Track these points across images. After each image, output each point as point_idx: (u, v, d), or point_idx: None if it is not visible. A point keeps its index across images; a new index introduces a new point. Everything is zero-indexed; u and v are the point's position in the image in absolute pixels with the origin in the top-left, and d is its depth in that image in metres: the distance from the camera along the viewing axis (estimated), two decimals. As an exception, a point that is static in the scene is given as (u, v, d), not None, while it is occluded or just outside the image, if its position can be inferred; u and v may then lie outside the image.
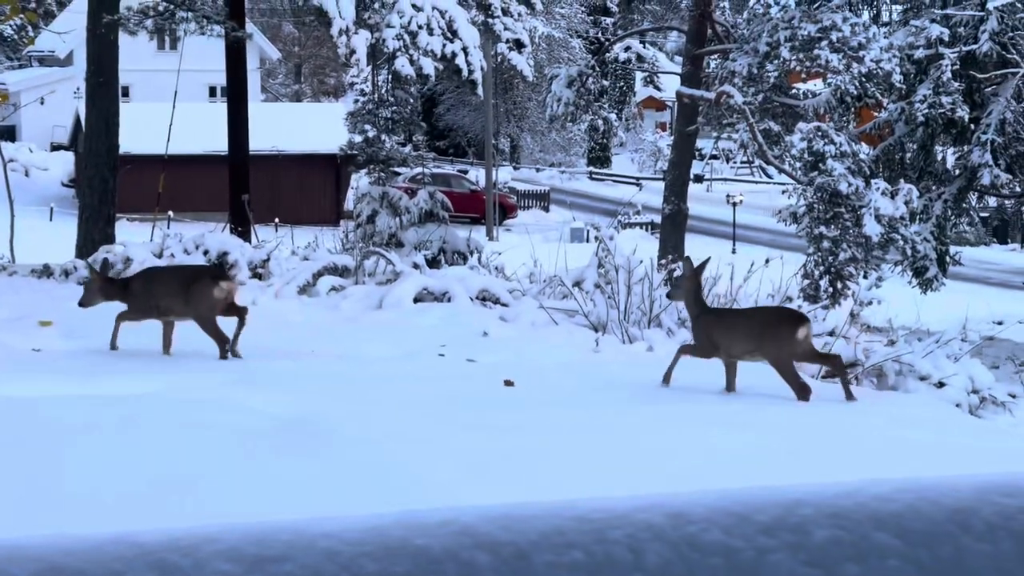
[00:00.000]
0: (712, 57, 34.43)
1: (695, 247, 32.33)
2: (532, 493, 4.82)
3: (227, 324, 10.97)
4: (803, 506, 1.58)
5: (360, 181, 29.37)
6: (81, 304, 11.33)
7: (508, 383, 9.08)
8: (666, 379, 9.30)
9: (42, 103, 55.66)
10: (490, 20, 23.56)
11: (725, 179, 64.99)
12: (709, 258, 10.49)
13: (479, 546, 1.48)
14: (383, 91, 24.88)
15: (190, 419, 6.38)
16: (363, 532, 1.48)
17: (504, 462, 5.83)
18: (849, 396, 9.26)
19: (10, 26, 64.18)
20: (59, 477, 5.19)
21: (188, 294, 10.88)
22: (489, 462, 5.81)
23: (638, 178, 66.02)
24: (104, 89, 22.43)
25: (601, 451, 6.22)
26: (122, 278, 11.87)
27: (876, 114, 30.73)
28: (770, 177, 60.15)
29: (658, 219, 37.53)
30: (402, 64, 21.25)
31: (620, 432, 6.85)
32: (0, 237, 25.73)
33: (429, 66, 21.30)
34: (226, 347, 10.97)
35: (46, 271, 18.17)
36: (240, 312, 11.05)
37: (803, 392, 9.00)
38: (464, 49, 21.45)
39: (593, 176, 68.29)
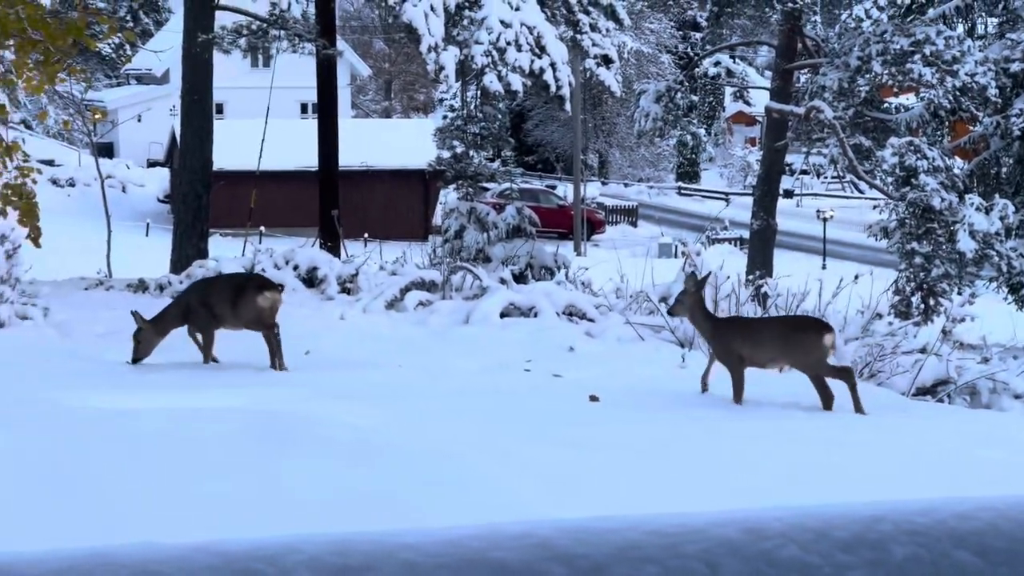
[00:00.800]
0: (802, 72, 34.18)
1: (784, 263, 32.09)
2: (611, 508, 4.82)
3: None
4: (882, 523, 1.57)
5: (448, 196, 29.52)
6: (135, 361, 11.24)
7: (593, 398, 9.08)
8: (703, 386, 9.55)
9: (139, 120, 56.56)
10: (578, 36, 23.54)
11: (816, 194, 64.36)
12: (710, 272, 10.47)
13: (555, 559, 1.49)
14: (471, 107, 24.98)
15: (274, 431, 6.45)
16: (441, 544, 1.50)
17: (586, 477, 5.83)
18: (858, 408, 9.14)
19: (109, 45, 65.35)
20: (147, 487, 5.28)
21: (235, 302, 11.20)
22: (571, 477, 5.81)
23: (727, 193, 65.64)
24: (198, 106, 22.75)
25: (682, 467, 6.20)
26: (172, 305, 11.81)
27: (971, 128, 30.29)
28: (861, 192, 59.51)
29: (747, 235, 37.29)
30: (490, 80, 21.30)
31: (702, 448, 6.83)
32: (98, 252, 26.17)
33: (517, 82, 21.32)
34: (276, 359, 11.17)
35: (141, 286, 18.45)
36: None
37: (828, 402, 9.04)
38: (552, 65, 21.45)
39: (682, 191, 68.00)
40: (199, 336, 11.50)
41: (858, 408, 9.10)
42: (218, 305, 11.33)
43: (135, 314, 11.37)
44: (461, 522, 1.63)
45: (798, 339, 9.11)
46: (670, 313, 10.25)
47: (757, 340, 9.27)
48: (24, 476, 5.45)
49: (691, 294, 9.56)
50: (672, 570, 1.49)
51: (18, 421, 6.67)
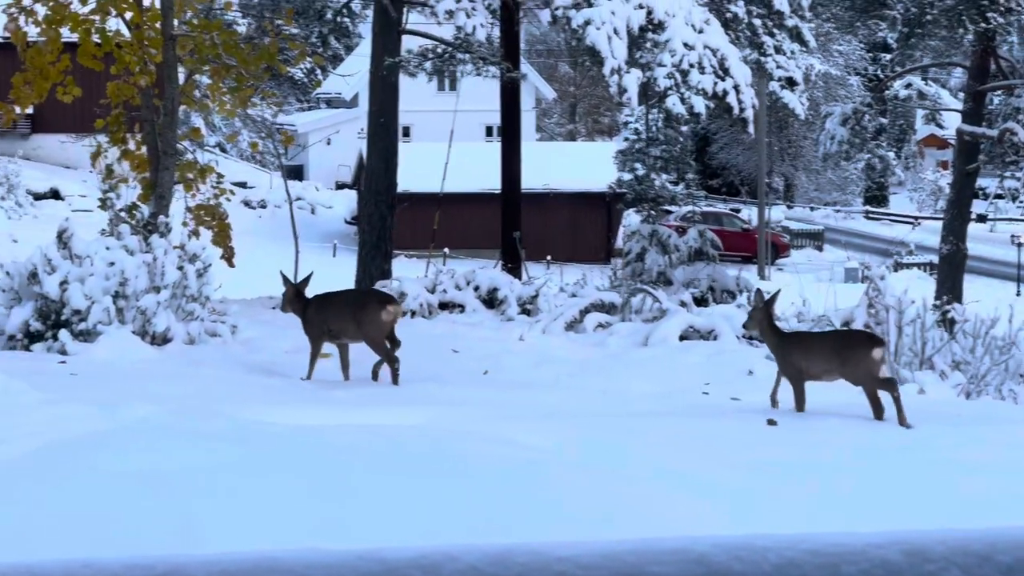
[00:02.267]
0: (996, 93, 33.26)
1: (975, 289, 31.22)
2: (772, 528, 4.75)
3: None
4: None
5: (630, 219, 29.48)
6: (282, 308, 12.56)
7: (771, 422, 8.98)
8: (773, 402, 10.01)
9: (328, 143, 57.78)
10: (763, 58, 23.32)
11: (1011, 219, 62.46)
12: (779, 290, 10.95)
13: (712, 575, 1.49)
14: (653, 130, 24.92)
15: (448, 449, 6.52)
16: (597, 557, 1.51)
17: (758, 500, 5.76)
18: (902, 420, 9.31)
19: (300, 70, 67.05)
20: (318, 496, 5.39)
21: (358, 317, 11.61)
22: (744, 499, 5.75)
23: (916, 217, 64.11)
24: (384, 129, 23.17)
25: (852, 492, 6.08)
26: (306, 299, 12.43)
27: None
28: (1059, 217, 57.52)
29: (937, 259, 36.37)
30: (673, 102, 21.23)
31: (871, 473, 6.68)
32: (286, 272, 26.74)
33: (700, 104, 21.19)
34: (396, 366, 11.50)
35: (326, 304, 18.85)
36: (393, 342, 11.63)
37: (878, 411, 9.40)
38: (735, 87, 21.26)
39: (870, 215, 66.70)
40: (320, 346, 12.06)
41: (902, 420, 9.27)
42: (335, 320, 11.78)
43: (283, 276, 12.61)
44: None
45: (848, 353, 9.59)
46: (744, 327, 10.79)
47: (813, 354, 9.81)
48: (201, 487, 5.63)
49: (759, 310, 10.20)
50: None
51: (203, 434, 6.87)
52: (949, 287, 29.95)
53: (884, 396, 9.48)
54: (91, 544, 4.53)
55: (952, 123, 62.83)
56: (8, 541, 4.72)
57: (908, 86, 66.92)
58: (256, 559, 1.48)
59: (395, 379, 11.46)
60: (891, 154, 70.80)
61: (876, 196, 70.75)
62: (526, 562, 1.49)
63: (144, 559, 1.49)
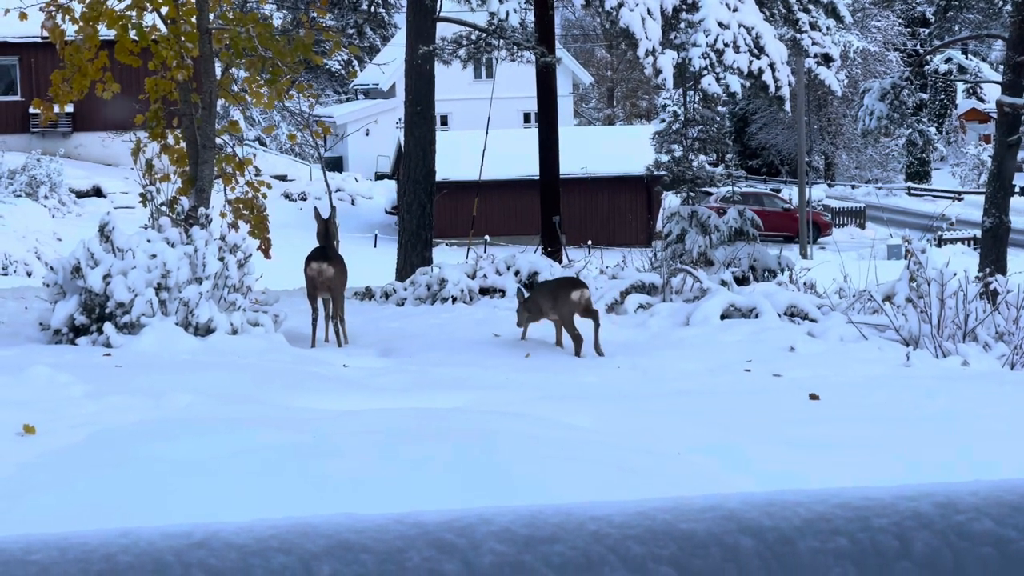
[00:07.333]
0: (1036, 63, 32.85)
1: (1019, 261, 30.97)
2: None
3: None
4: None
5: (670, 201, 29.42)
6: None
7: (813, 397, 8.95)
8: (523, 336, 12.79)
9: (367, 134, 57.86)
10: (798, 35, 23.19)
11: (1055, 191, 61.89)
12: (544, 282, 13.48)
13: (743, 531, 1.49)
14: (690, 110, 24.85)
15: (486, 428, 6.55)
16: (630, 516, 1.52)
17: (790, 472, 5.76)
18: (597, 348, 12.29)
19: (337, 61, 67.17)
20: (362, 470, 5.43)
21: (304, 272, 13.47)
22: (778, 471, 5.75)
23: (959, 192, 63.63)
24: (421, 117, 23.21)
25: (892, 468, 6.06)
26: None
27: None
28: (1104, 188, 56.89)
29: (980, 234, 36.08)
30: (708, 82, 21.16)
31: (915, 449, 6.66)
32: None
33: (736, 83, 21.11)
34: (314, 322, 13.52)
35: (367, 293, 18.97)
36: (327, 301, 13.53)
37: (578, 343, 12.15)
38: (771, 65, 21.16)
39: (911, 192, 66.27)
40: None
41: (597, 349, 12.27)
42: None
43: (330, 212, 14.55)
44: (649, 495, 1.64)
45: (556, 294, 12.22)
46: (517, 325, 12.95)
47: (543, 299, 12.34)
48: (243, 463, 5.70)
49: (522, 303, 12.66)
50: (861, 543, 1.48)
51: (245, 421, 6.93)
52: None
53: (587, 325, 12.21)
54: (132, 521, 4.58)
55: (994, 97, 62.26)
56: (52, 522, 4.79)
57: (948, 60, 66.34)
58: (291, 523, 1.51)
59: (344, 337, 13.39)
60: (932, 129, 70.28)
61: (918, 172, 70.28)
62: (559, 522, 1.50)
63: (180, 526, 1.51)
